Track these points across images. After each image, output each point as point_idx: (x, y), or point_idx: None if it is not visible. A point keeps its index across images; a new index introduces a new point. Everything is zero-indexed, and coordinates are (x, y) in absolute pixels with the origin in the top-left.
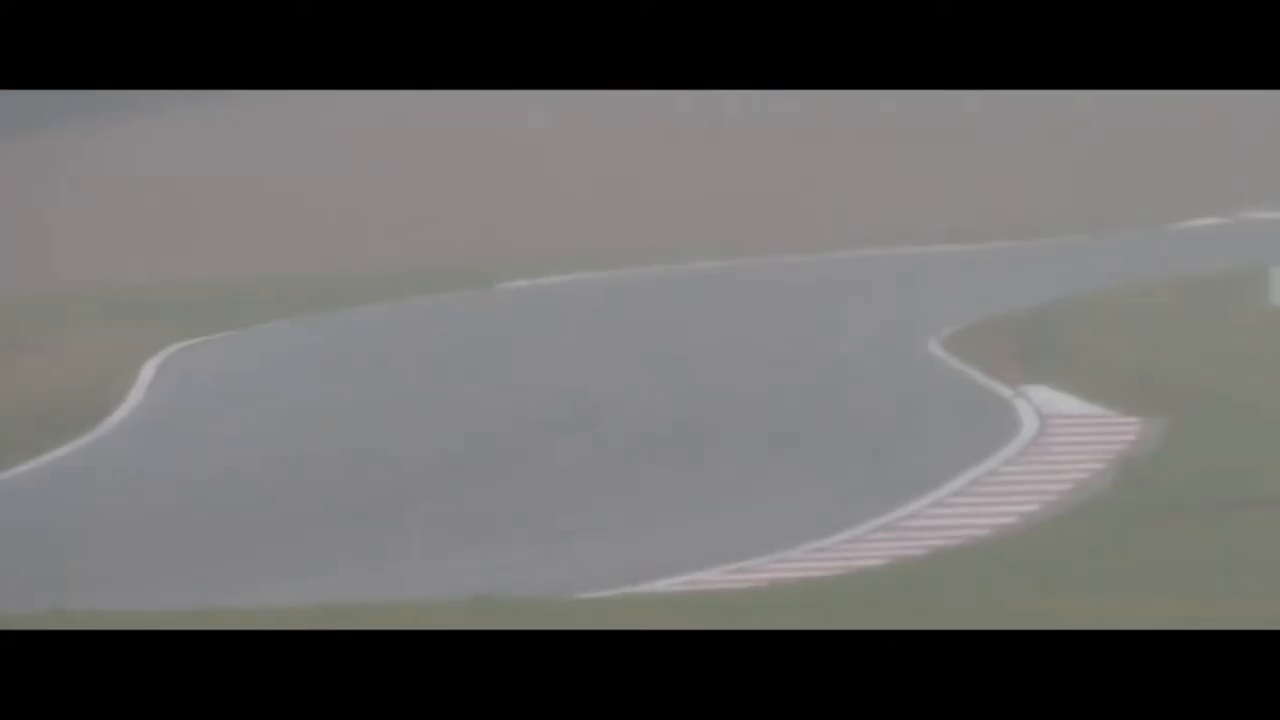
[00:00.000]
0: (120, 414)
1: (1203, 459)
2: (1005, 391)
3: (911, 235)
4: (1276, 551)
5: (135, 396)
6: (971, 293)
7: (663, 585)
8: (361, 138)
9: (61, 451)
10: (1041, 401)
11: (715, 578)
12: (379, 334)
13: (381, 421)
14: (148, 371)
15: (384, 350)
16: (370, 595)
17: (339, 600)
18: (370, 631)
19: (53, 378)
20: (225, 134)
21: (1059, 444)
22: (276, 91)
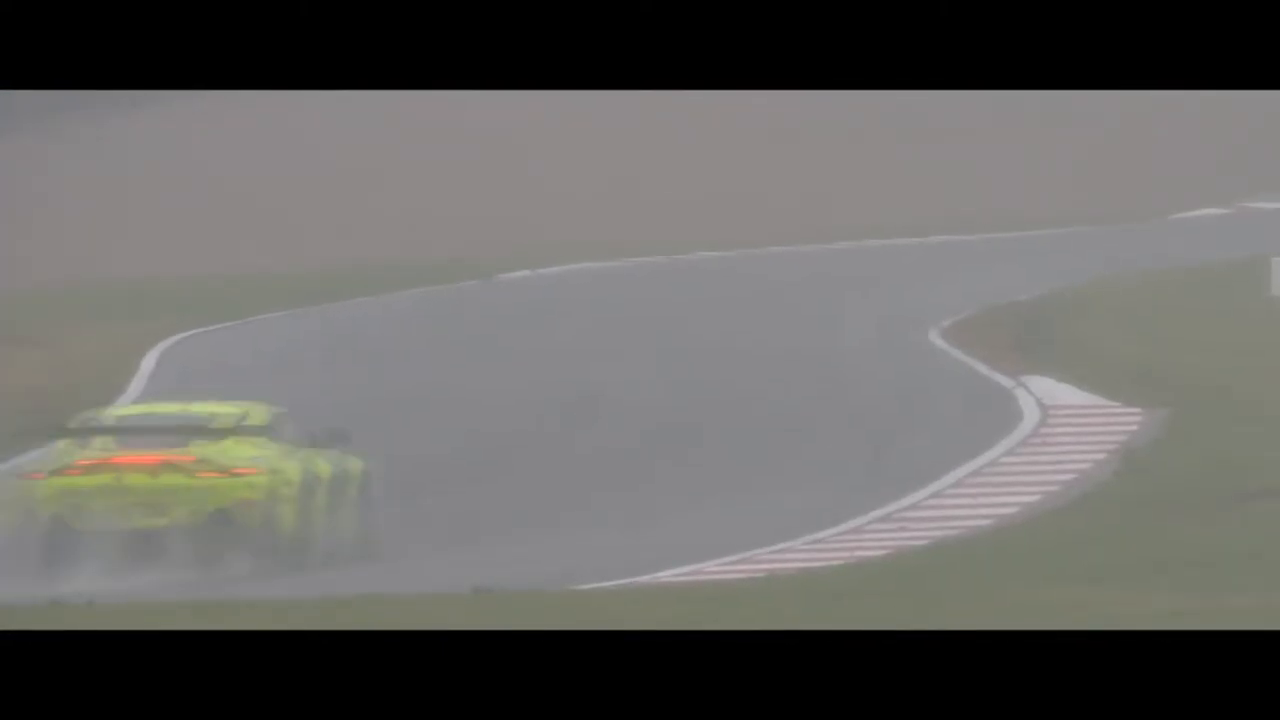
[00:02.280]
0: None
1: (1203, 450)
2: (1006, 382)
3: (912, 228)
4: (1277, 543)
5: (136, 388)
6: (972, 284)
7: (664, 577)
8: (359, 135)
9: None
10: (1042, 392)
11: (716, 569)
12: (378, 327)
13: (381, 415)
14: (148, 363)
15: (383, 343)
16: (371, 588)
17: (339, 593)
18: (370, 625)
19: (51, 373)
20: (226, 131)
21: (1060, 435)
22: (275, 91)
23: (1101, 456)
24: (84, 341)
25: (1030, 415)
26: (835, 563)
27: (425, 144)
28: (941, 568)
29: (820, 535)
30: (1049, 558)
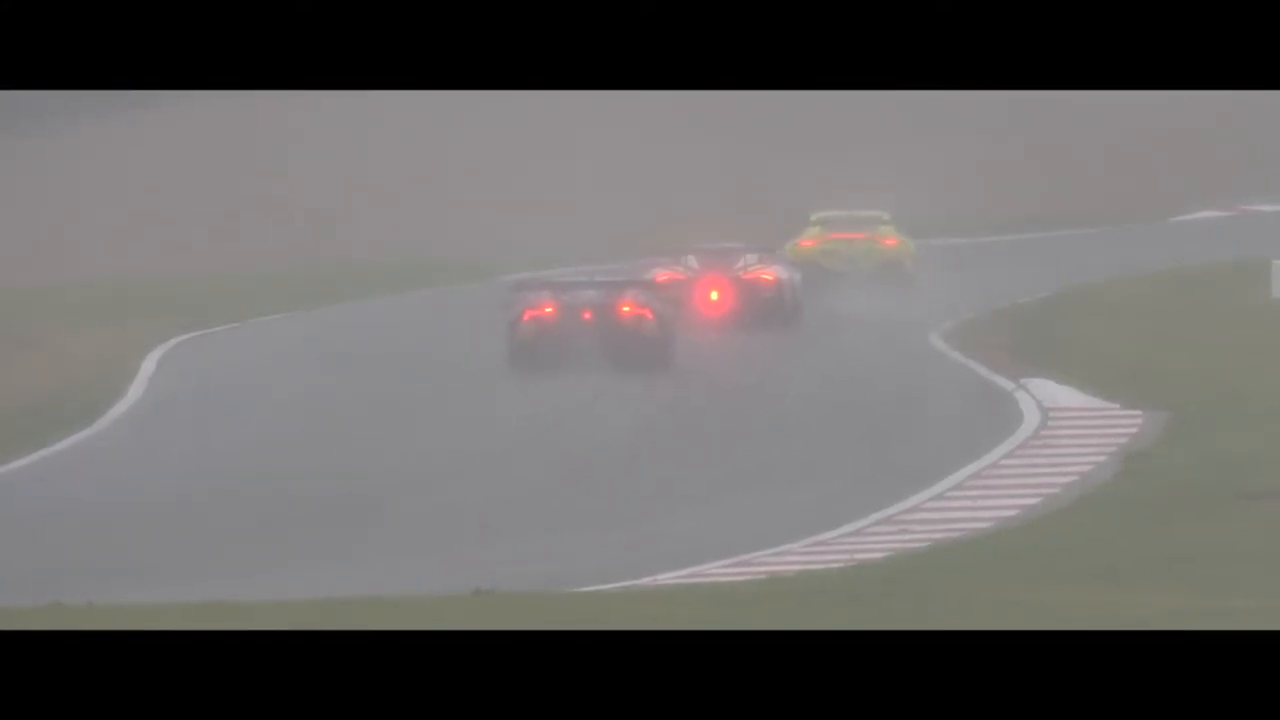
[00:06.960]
0: (121, 407)
1: (1204, 452)
2: (1007, 384)
3: (914, 228)
4: (1277, 543)
5: (136, 390)
6: (973, 285)
7: (664, 579)
8: (360, 135)
9: (61, 445)
10: (1043, 394)
11: (716, 571)
12: (381, 327)
13: (383, 414)
14: (149, 365)
15: (385, 343)
16: (372, 589)
17: (340, 594)
18: (370, 625)
19: (51, 373)
20: (226, 131)
21: (1060, 437)
22: (276, 91)
23: (1102, 459)
24: (84, 341)
25: (1030, 417)
26: (835, 565)
27: (426, 144)
28: (942, 569)
29: (821, 537)
30: (1049, 559)
